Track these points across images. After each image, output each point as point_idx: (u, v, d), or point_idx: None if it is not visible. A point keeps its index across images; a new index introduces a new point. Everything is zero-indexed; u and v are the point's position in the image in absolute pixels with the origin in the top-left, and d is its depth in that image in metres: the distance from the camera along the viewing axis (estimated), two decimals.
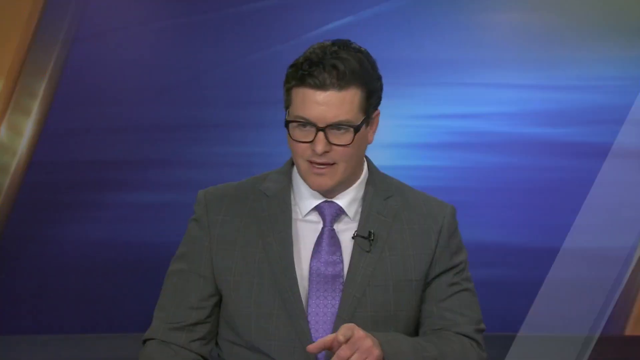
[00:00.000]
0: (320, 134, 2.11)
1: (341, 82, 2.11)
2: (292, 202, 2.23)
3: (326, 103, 2.11)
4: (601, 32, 4.67)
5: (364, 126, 2.15)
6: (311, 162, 2.15)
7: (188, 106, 4.68)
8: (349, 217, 2.22)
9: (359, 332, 2.03)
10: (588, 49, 4.67)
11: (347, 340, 2.02)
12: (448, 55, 4.67)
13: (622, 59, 4.67)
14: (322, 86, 2.11)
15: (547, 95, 4.68)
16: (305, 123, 2.13)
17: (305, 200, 2.22)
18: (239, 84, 4.66)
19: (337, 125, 2.12)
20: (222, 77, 4.65)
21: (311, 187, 2.18)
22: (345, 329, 2.03)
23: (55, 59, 4.61)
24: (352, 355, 2.01)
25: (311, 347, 2.04)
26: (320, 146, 2.11)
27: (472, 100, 4.69)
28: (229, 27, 4.65)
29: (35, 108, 4.61)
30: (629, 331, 4.71)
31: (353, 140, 2.13)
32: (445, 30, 4.66)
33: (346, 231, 2.21)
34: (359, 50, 2.17)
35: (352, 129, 2.12)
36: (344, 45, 2.16)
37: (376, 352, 2.03)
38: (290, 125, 2.14)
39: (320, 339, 2.04)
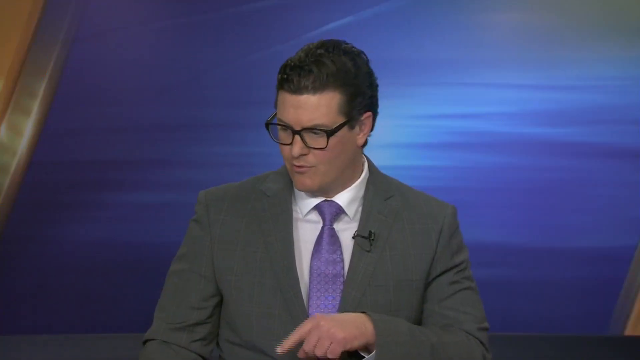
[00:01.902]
0: (297, 137, 2.12)
1: (316, 86, 2.10)
2: (293, 202, 2.24)
3: (301, 107, 2.11)
4: (601, 32, 4.67)
5: (345, 129, 2.13)
6: (293, 164, 2.16)
7: (188, 106, 4.68)
8: (349, 217, 2.22)
9: (317, 321, 2.04)
10: (588, 49, 4.67)
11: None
12: (448, 55, 4.67)
13: (622, 59, 4.67)
14: (296, 90, 2.10)
15: (547, 95, 4.69)
16: (285, 126, 2.14)
17: (305, 199, 2.22)
18: (239, 84, 4.66)
19: (311, 129, 2.12)
20: (222, 77, 4.65)
21: (295, 187, 2.20)
22: (306, 323, 2.05)
23: (55, 59, 4.61)
24: (316, 344, 2.03)
25: (280, 349, 2.05)
26: (295, 149, 2.13)
27: (472, 100, 4.69)
28: (229, 27, 4.65)
29: (35, 108, 4.61)
30: (629, 331, 4.71)
31: (327, 144, 2.12)
32: (445, 30, 4.66)
33: (346, 230, 2.21)
34: (347, 52, 2.14)
35: (325, 134, 2.12)
36: (332, 46, 2.13)
37: (340, 334, 2.04)
38: (273, 127, 2.16)
39: (287, 340, 2.05)
